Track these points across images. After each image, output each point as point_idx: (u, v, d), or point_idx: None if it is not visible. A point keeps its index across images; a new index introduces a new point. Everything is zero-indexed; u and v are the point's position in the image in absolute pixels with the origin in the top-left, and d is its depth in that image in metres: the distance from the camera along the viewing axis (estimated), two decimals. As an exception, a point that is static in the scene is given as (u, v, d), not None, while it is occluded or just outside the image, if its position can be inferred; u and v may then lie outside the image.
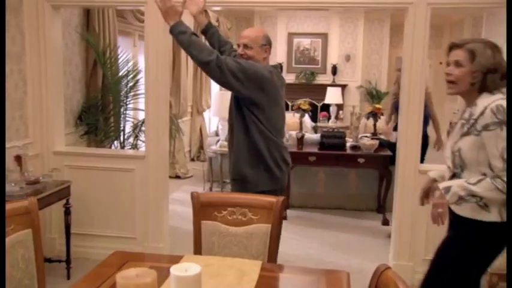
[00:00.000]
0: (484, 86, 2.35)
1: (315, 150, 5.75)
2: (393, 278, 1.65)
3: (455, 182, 2.35)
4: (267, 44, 3.17)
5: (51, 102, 4.25)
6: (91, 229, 4.30)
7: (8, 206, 2.32)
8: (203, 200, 2.67)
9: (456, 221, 2.43)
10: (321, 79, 10.92)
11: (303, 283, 2.13)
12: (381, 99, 10.27)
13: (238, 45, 3.15)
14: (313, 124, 8.80)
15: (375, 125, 6.00)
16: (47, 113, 4.24)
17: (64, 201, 3.90)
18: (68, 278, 3.92)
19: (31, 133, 4.18)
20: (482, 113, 2.29)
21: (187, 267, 1.39)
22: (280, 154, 3.15)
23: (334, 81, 10.76)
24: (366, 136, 5.92)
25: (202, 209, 2.64)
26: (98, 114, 5.02)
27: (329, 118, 9.20)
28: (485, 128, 2.27)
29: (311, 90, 10.40)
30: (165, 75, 4.26)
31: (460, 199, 2.31)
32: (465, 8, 5.23)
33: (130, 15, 5.62)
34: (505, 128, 2.22)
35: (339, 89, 9.78)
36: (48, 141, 4.27)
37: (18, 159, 3.59)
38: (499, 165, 2.23)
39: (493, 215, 2.29)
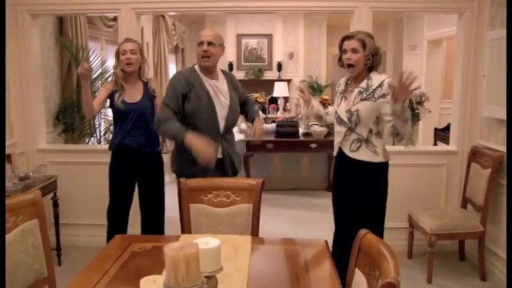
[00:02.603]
0: (372, 66, 2.86)
1: (272, 138, 5.86)
2: (374, 239, 1.78)
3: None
4: (223, 44, 3.21)
5: (32, 105, 4.15)
6: (76, 219, 4.24)
7: (16, 199, 2.30)
8: (190, 185, 2.71)
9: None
10: (268, 75, 11.02)
11: (291, 252, 2.22)
12: (322, 91, 10.49)
13: (201, 44, 3.09)
14: (264, 115, 8.90)
15: (323, 114, 6.16)
16: (29, 114, 4.13)
17: (52, 194, 3.84)
18: (60, 264, 3.87)
19: (16, 133, 4.06)
20: (380, 86, 2.78)
21: (208, 241, 1.45)
22: None
23: (279, 76, 10.89)
24: (316, 124, 6.08)
25: (190, 194, 2.68)
26: (74, 114, 4.91)
27: (277, 110, 9.34)
28: (383, 96, 2.78)
29: (259, 86, 10.47)
30: (139, 76, 4.24)
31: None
32: (400, 11, 5.47)
33: (99, 21, 5.51)
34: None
35: (285, 84, 9.93)
36: (31, 140, 4.17)
37: (8, 157, 3.50)
38: (389, 118, 2.75)
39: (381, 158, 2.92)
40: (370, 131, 2.89)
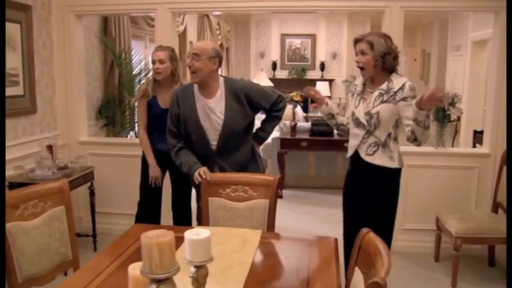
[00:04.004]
0: (384, 66, 2.74)
1: (307, 136, 5.84)
2: (373, 238, 1.75)
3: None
4: (216, 57, 2.87)
5: (76, 99, 4.34)
6: (112, 208, 4.39)
7: (45, 186, 2.43)
8: (210, 179, 2.76)
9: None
10: (310, 74, 10.99)
11: (297, 247, 2.23)
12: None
13: (188, 56, 2.90)
14: (305, 114, 8.89)
15: (358, 114, 6.07)
16: (72, 108, 4.33)
17: (89, 184, 4.00)
18: (95, 250, 4.03)
19: (59, 126, 4.28)
20: (401, 88, 2.70)
21: (198, 232, 1.48)
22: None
23: (322, 76, 10.82)
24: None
25: (209, 187, 2.73)
26: (115, 109, 5.09)
27: (318, 109, 9.29)
28: (404, 99, 2.70)
29: (302, 85, 10.31)
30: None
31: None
32: (432, 11, 5.28)
33: (142, 21, 5.68)
34: (414, 100, 2.62)
35: (327, 83, 9.87)
36: (73, 133, 4.37)
37: (49, 148, 3.68)
38: (409, 122, 2.65)
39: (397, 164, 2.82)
40: (389, 135, 2.79)
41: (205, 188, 2.74)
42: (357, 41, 2.82)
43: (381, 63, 2.72)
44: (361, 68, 2.80)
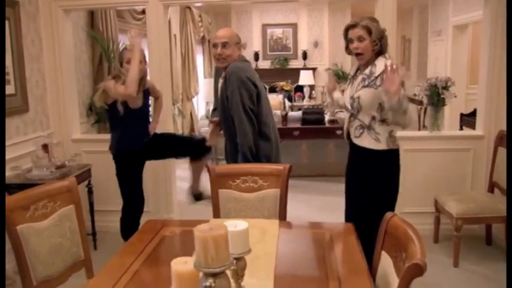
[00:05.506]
0: (380, 50, 2.70)
1: (298, 125, 5.84)
2: (400, 222, 1.76)
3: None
4: (240, 42, 3.11)
5: (67, 96, 4.25)
6: (109, 205, 4.30)
7: (53, 186, 2.37)
8: (218, 171, 2.73)
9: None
10: (293, 64, 10.96)
11: (316, 235, 2.23)
12: (347, 78, 10.36)
13: (215, 46, 3.01)
14: (290, 103, 8.88)
15: (347, 101, 6.10)
16: (64, 105, 4.23)
17: (86, 182, 3.92)
18: (95, 248, 3.96)
19: (52, 124, 4.18)
20: (382, 73, 2.59)
21: (236, 224, 1.46)
22: None
23: (305, 65, 10.81)
24: (342, 111, 6.01)
25: (218, 179, 2.70)
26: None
27: (303, 98, 9.31)
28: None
29: (285, 74, 10.42)
30: (167, 66, 4.27)
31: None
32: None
33: (128, 14, 5.56)
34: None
35: (310, 72, 9.86)
36: (66, 131, 4.27)
37: (45, 147, 3.58)
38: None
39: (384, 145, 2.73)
40: (373, 118, 2.71)
41: (213, 180, 2.71)
42: (349, 28, 2.75)
43: (378, 47, 2.68)
44: (359, 54, 2.72)
